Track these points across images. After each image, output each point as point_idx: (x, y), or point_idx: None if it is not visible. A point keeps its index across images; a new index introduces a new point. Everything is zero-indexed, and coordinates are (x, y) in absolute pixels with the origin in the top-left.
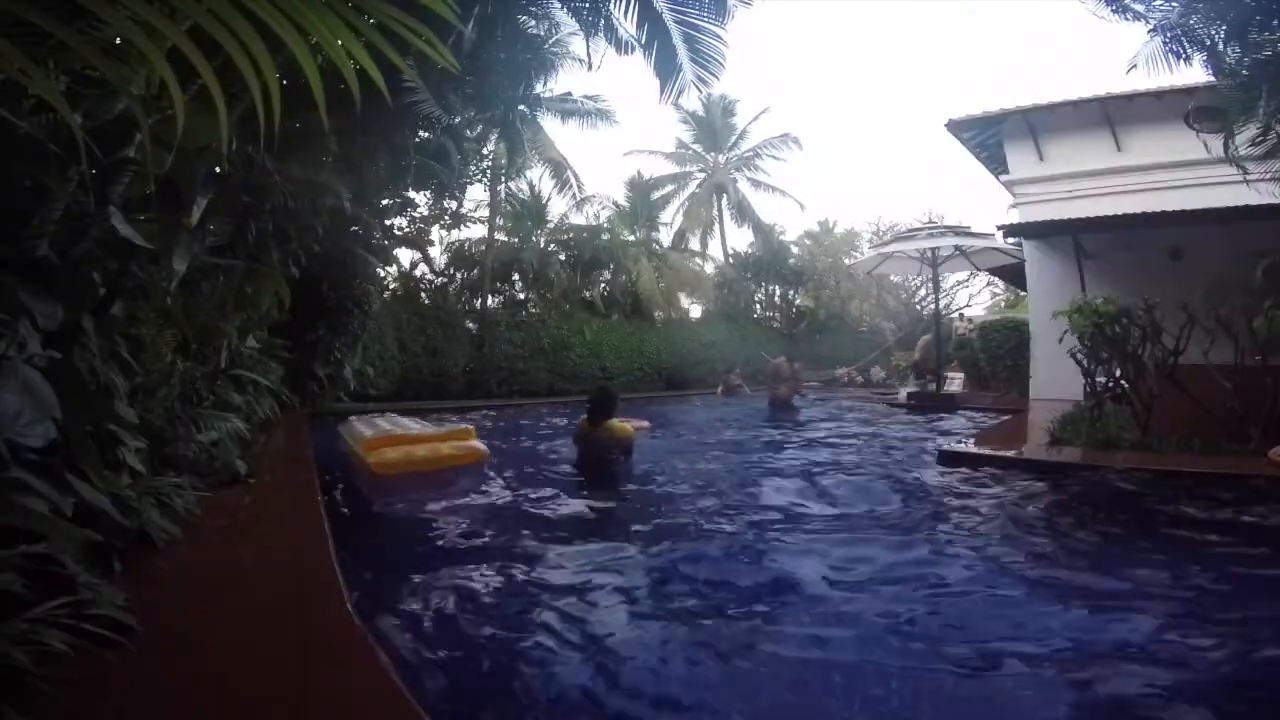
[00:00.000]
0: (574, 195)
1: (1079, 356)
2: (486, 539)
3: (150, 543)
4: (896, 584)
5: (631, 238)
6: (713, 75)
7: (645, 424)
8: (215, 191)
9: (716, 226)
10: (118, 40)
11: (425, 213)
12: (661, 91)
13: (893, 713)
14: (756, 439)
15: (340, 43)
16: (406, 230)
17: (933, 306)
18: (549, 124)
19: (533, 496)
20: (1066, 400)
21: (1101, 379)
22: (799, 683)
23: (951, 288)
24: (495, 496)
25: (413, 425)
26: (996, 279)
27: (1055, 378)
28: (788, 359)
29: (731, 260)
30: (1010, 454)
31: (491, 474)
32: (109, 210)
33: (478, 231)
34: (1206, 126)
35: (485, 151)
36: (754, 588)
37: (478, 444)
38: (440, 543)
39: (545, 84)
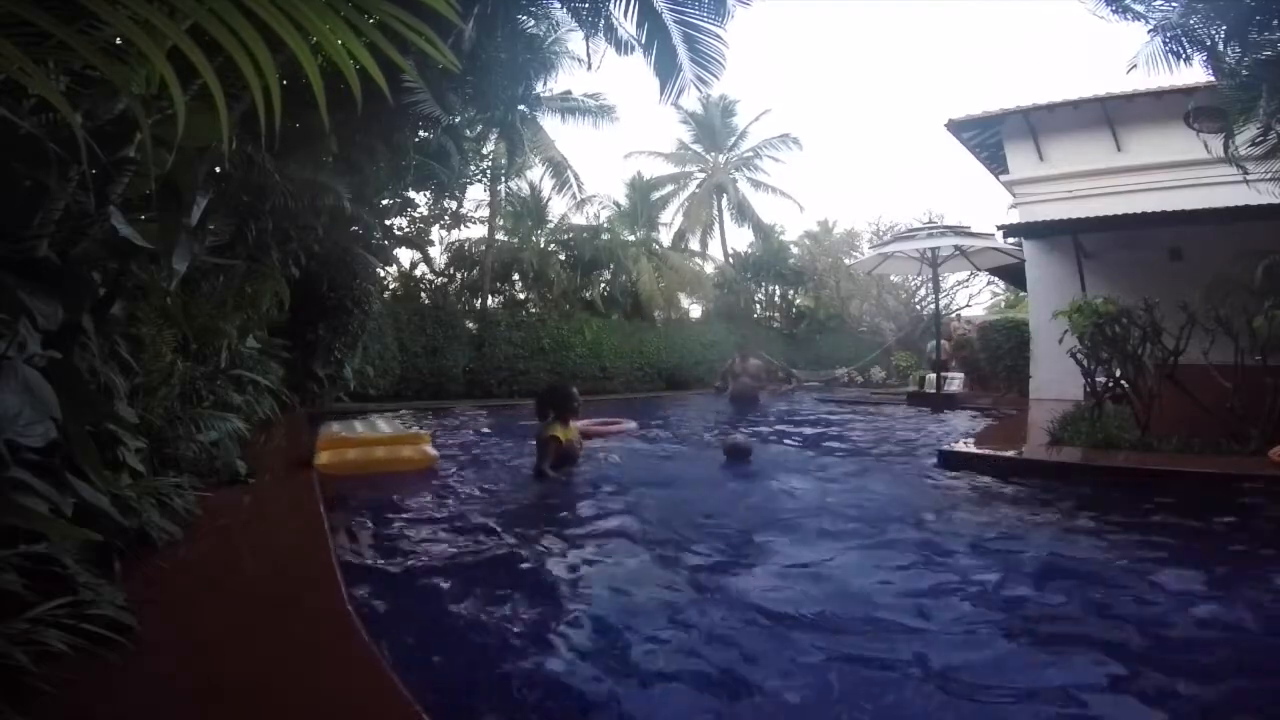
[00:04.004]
0: (574, 195)
1: (1079, 356)
2: (486, 539)
3: (150, 543)
4: (893, 581)
5: (631, 238)
6: (713, 75)
7: (632, 425)
8: (215, 191)
9: (716, 226)
10: (118, 40)
11: (425, 213)
12: (661, 91)
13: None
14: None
15: (340, 42)
16: (406, 230)
17: (933, 306)
18: (549, 123)
19: (533, 497)
20: (1066, 400)
21: (1101, 379)
22: (789, 678)
23: (951, 288)
24: (496, 497)
25: (361, 427)
26: (996, 279)
27: (1055, 378)
28: (741, 356)
29: (731, 260)
30: (1010, 454)
31: (492, 476)
32: (109, 210)
33: (478, 231)
34: (1206, 126)
35: (485, 151)
36: (748, 582)
37: (428, 449)
38: (440, 542)
39: (545, 83)
